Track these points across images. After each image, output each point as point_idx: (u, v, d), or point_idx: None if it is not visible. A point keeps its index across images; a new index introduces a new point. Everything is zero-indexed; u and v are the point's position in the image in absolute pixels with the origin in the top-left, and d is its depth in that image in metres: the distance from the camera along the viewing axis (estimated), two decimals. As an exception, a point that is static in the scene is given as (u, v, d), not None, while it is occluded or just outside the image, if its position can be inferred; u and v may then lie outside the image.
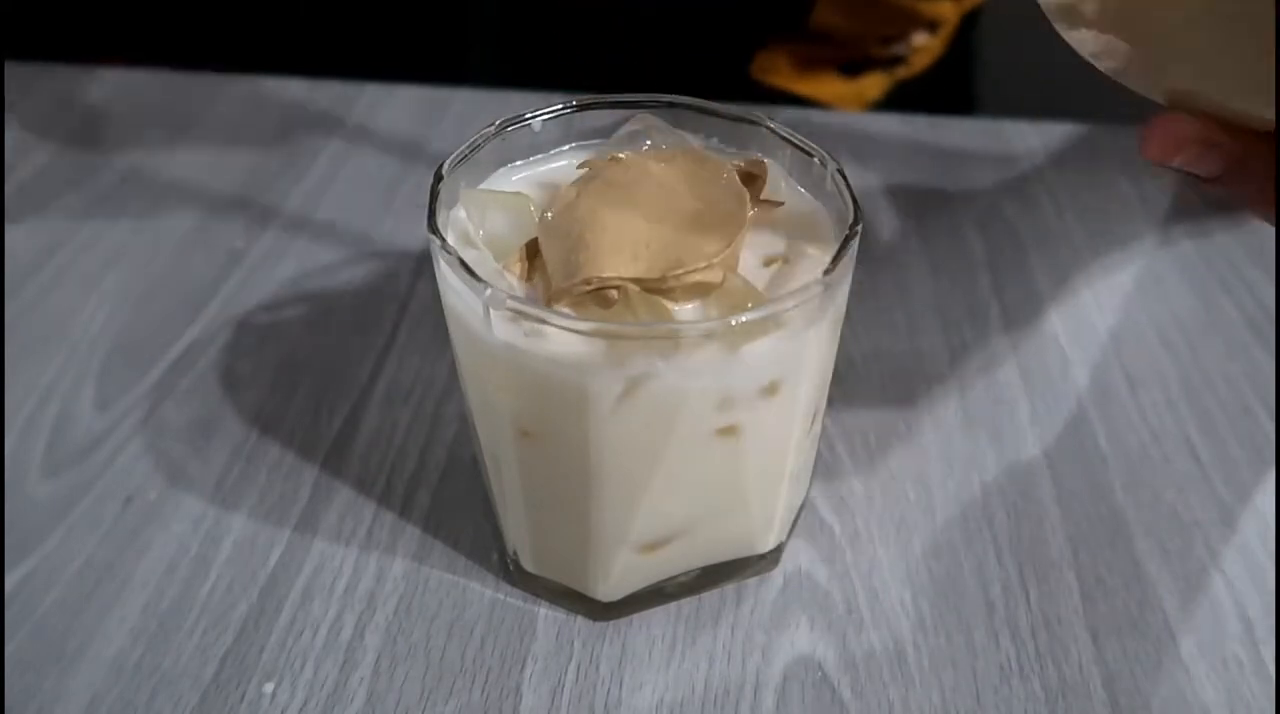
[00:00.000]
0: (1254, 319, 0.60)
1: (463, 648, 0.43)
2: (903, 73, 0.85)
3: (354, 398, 0.53)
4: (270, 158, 0.71)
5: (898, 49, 0.83)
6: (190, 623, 0.43)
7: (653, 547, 0.42)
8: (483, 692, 0.41)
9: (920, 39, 0.84)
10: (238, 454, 0.50)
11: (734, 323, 0.34)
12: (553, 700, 0.41)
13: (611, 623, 0.44)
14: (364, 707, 0.41)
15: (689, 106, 0.44)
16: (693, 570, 0.44)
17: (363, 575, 0.46)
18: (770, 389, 0.38)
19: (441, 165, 0.40)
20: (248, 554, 0.46)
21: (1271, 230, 0.65)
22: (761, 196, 0.40)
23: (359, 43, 0.83)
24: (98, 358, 0.55)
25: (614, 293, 0.36)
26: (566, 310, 0.36)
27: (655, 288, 0.36)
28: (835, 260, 0.37)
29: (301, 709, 0.41)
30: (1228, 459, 0.52)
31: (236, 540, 0.47)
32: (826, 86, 0.84)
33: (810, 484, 0.48)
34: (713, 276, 0.37)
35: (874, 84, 0.85)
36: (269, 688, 0.41)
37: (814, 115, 0.78)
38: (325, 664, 0.42)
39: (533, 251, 0.39)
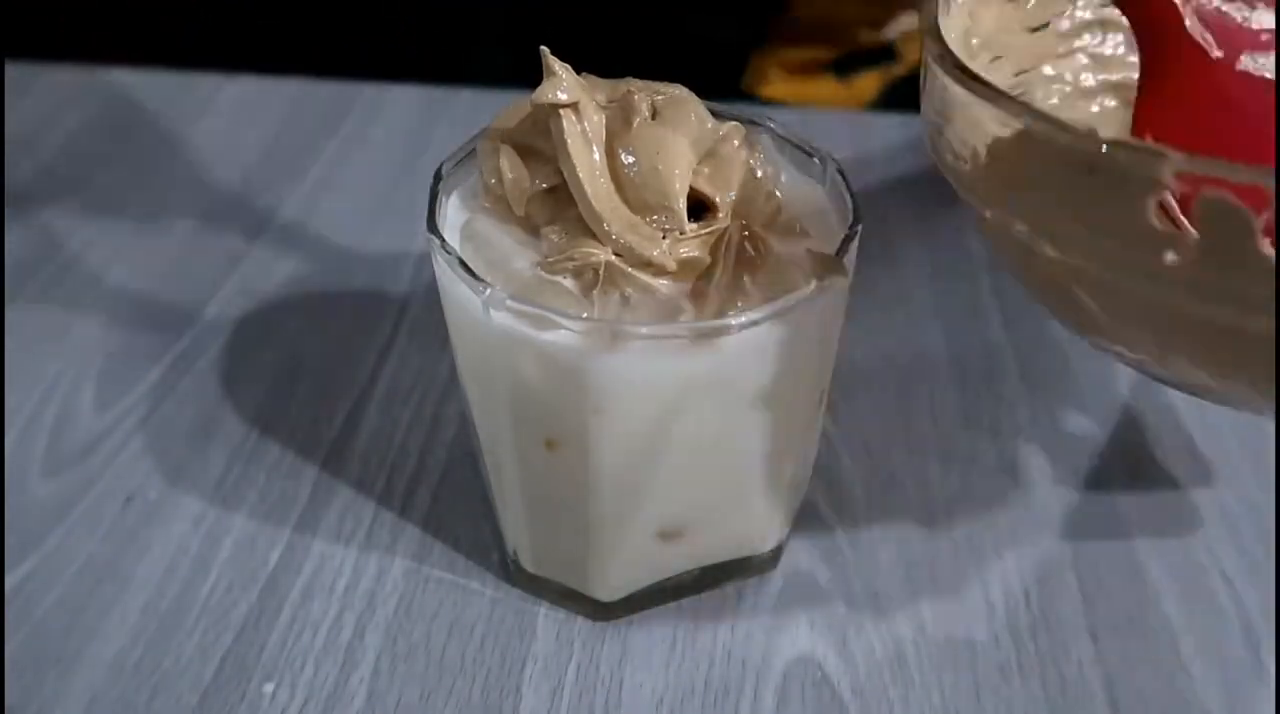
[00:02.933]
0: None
1: (463, 648, 0.43)
2: (897, 70, 0.85)
3: (354, 398, 0.54)
4: (270, 157, 0.71)
5: (888, 33, 0.82)
6: (190, 623, 0.43)
7: (652, 546, 0.42)
8: (483, 692, 0.41)
9: (910, 20, 0.82)
10: (238, 454, 0.50)
11: (734, 322, 0.35)
12: (553, 700, 0.41)
13: (611, 623, 0.44)
14: (364, 707, 0.41)
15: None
16: (693, 570, 0.44)
17: (363, 575, 0.46)
18: (770, 388, 0.38)
19: (441, 165, 0.40)
20: (248, 554, 0.46)
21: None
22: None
23: (359, 42, 0.83)
24: (98, 358, 0.55)
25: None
26: (566, 309, 0.36)
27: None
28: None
29: (301, 709, 0.41)
30: (1227, 459, 0.52)
31: (236, 540, 0.47)
32: (820, 91, 0.83)
33: (810, 484, 0.48)
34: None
35: (868, 84, 0.85)
36: (269, 688, 0.41)
37: (814, 115, 0.78)
38: (325, 664, 0.42)
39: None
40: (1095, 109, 0.43)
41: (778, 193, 0.40)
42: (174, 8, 0.81)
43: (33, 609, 0.44)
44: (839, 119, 0.76)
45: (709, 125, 0.39)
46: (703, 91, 0.40)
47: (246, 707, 0.41)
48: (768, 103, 0.81)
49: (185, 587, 0.45)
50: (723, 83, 0.79)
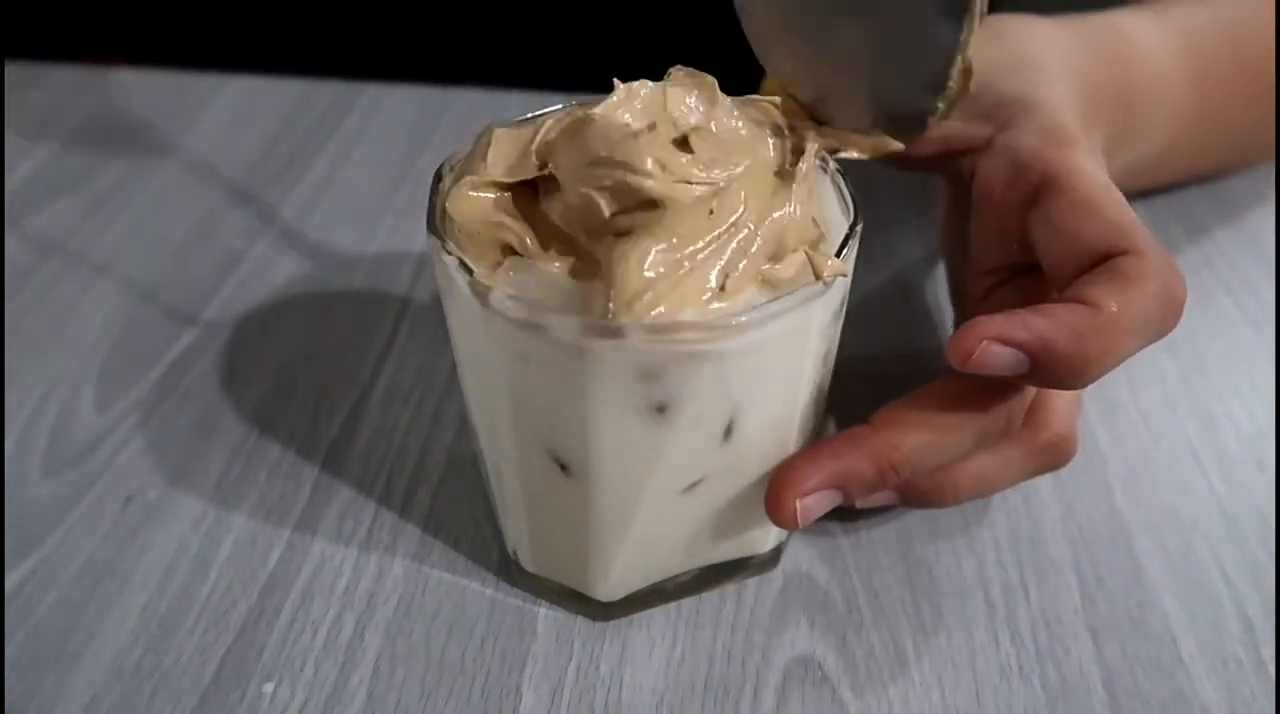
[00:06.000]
0: (1254, 319, 0.60)
1: (463, 648, 0.43)
2: None
3: (354, 398, 0.54)
4: (270, 158, 0.71)
5: None
6: (190, 623, 0.44)
7: (652, 546, 0.42)
8: (483, 692, 0.41)
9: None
10: (238, 454, 0.51)
11: (734, 322, 0.34)
12: (553, 700, 0.41)
13: (611, 623, 0.44)
14: (364, 707, 0.41)
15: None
16: (693, 570, 0.44)
17: (363, 575, 0.46)
18: (770, 387, 0.38)
19: (442, 165, 0.40)
20: (248, 554, 0.46)
21: (1271, 230, 0.65)
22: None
23: (358, 42, 0.83)
24: (98, 358, 0.56)
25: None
26: (568, 313, 0.35)
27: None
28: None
29: (301, 709, 0.41)
30: (1227, 459, 0.52)
31: (236, 540, 0.47)
32: None
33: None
34: None
35: None
36: (269, 688, 0.41)
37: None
38: (325, 664, 0.42)
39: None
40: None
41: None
42: (174, 8, 0.80)
43: (33, 609, 0.44)
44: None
45: None
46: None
47: (246, 707, 0.41)
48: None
49: (185, 587, 0.45)
50: (735, 85, 0.79)
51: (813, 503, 0.40)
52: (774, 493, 0.40)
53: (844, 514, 0.49)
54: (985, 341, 0.37)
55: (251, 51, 0.81)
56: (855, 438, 0.41)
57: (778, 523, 0.41)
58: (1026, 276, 0.45)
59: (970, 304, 0.47)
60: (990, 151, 0.45)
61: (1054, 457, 0.45)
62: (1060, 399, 0.44)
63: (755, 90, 0.79)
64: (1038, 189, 0.42)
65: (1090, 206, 0.41)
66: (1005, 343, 0.37)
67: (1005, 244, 0.44)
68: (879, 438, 0.40)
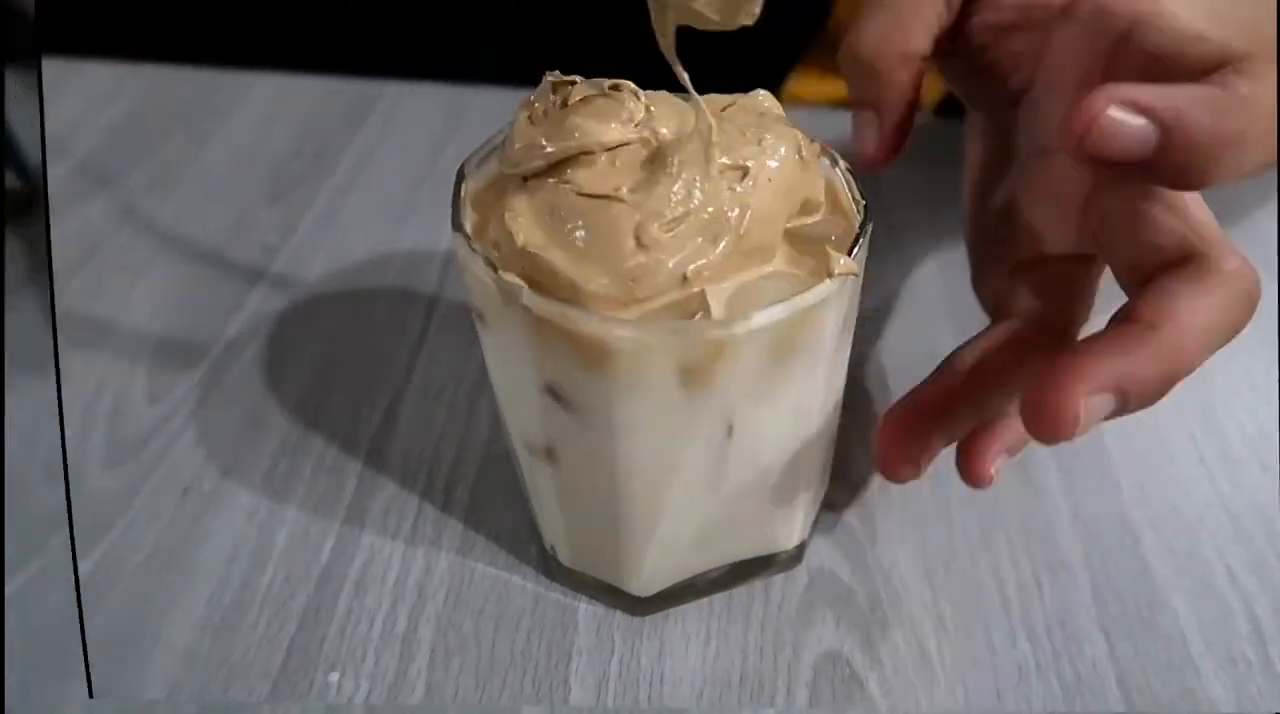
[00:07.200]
0: (1255, 319, 0.60)
1: (510, 641, 0.45)
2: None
3: (391, 393, 0.55)
4: (299, 154, 0.72)
5: None
6: (254, 615, 0.45)
7: (681, 543, 0.43)
8: (534, 684, 0.43)
9: None
10: (284, 448, 0.52)
11: (752, 322, 0.35)
12: (599, 693, 0.43)
13: (648, 618, 0.46)
14: (424, 697, 0.42)
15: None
16: (722, 566, 0.46)
17: (411, 568, 0.47)
18: (787, 387, 0.39)
19: (464, 163, 0.41)
20: (301, 546, 0.48)
21: (1272, 230, 0.66)
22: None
23: (381, 41, 0.84)
24: (146, 352, 0.57)
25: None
26: (588, 308, 0.35)
27: None
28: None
29: (367, 698, 0.42)
30: (1230, 459, 0.53)
31: (290, 533, 0.48)
32: None
33: (828, 482, 0.49)
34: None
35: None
36: (334, 677, 0.43)
37: (825, 114, 0.78)
38: (384, 655, 0.44)
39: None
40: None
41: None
42: (203, 6, 0.81)
43: (104, 598, 0.45)
44: (847, 118, 0.77)
45: None
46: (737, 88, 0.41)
47: (315, 695, 0.42)
48: (795, 103, 0.81)
49: (246, 578, 0.46)
50: (752, 82, 0.78)
51: (1098, 404, 0.35)
52: (1054, 387, 0.34)
53: (863, 512, 0.50)
54: (1112, 106, 0.33)
55: (280, 48, 0.81)
56: (1136, 336, 0.35)
57: (1049, 426, 0.34)
58: (1064, 264, 0.43)
59: (997, 277, 0.45)
60: (1069, 16, 0.41)
61: (1249, 284, 0.38)
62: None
63: (780, 86, 0.79)
64: (1125, 34, 0.38)
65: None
66: (1137, 108, 0.33)
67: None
68: (1162, 337, 0.35)
